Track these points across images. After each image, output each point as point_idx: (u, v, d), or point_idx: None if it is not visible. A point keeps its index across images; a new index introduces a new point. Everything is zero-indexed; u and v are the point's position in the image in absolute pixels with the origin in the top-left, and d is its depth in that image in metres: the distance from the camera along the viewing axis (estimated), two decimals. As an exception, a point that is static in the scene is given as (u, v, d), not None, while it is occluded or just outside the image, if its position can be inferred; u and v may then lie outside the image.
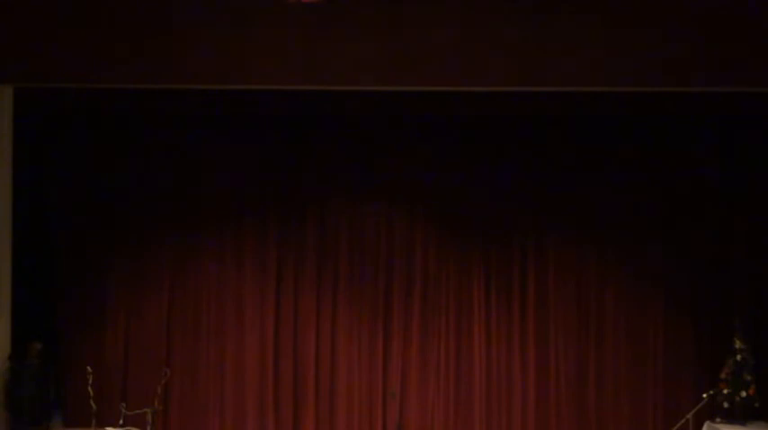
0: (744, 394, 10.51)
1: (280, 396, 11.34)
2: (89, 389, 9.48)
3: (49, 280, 11.27)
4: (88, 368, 9.64)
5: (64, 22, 9.81)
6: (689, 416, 10.07)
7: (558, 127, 11.30)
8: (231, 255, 11.42)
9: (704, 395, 10.31)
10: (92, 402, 9.39)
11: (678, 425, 10.19)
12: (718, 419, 10.58)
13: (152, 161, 11.38)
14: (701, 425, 10.55)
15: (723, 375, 10.64)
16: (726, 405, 10.56)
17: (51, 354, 10.92)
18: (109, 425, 9.49)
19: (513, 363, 11.36)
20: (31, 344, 10.59)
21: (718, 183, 11.33)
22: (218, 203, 11.41)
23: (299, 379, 11.37)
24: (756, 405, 10.54)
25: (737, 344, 10.66)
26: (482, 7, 9.76)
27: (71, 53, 9.83)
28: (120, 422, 9.51)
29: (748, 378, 10.56)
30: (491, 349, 11.37)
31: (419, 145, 11.40)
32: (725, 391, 10.57)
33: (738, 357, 10.62)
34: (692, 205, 11.33)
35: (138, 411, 9.62)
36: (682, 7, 9.73)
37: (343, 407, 11.34)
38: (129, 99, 10.69)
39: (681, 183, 11.35)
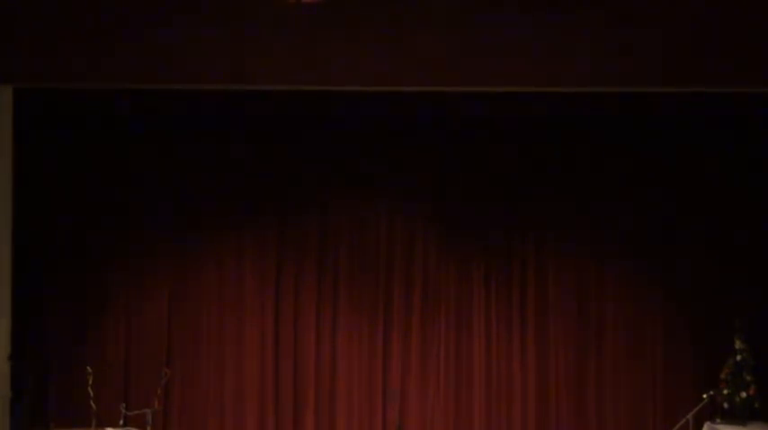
0: (744, 394, 10.50)
1: (280, 396, 11.33)
2: (89, 389, 9.48)
3: (49, 280, 11.25)
4: (88, 368, 9.64)
5: (64, 21, 9.80)
6: (689, 416, 10.06)
7: (559, 127, 11.29)
8: (231, 255, 11.40)
9: (704, 395, 10.28)
10: (92, 402, 9.38)
11: (678, 425, 10.18)
12: (718, 419, 10.58)
13: (152, 161, 11.37)
14: (701, 425, 10.53)
15: (723, 375, 10.63)
16: (726, 405, 10.56)
17: (50, 355, 10.94)
18: (109, 425, 9.49)
19: (512, 363, 11.34)
20: None
21: (719, 183, 11.33)
22: (218, 203, 11.39)
23: (299, 379, 11.36)
24: (756, 405, 10.53)
25: (737, 345, 10.65)
26: (483, 7, 9.75)
27: (71, 53, 9.83)
28: (120, 422, 9.50)
29: (748, 378, 10.55)
30: (491, 349, 11.36)
31: (420, 145, 11.39)
32: (725, 391, 10.56)
33: (738, 357, 10.61)
34: (693, 205, 11.32)
35: (138, 411, 9.62)
36: (682, 7, 9.74)
37: (344, 406, 11.33)
38: (130, 99, 10.69)
39: (681, 184, 11.34)
